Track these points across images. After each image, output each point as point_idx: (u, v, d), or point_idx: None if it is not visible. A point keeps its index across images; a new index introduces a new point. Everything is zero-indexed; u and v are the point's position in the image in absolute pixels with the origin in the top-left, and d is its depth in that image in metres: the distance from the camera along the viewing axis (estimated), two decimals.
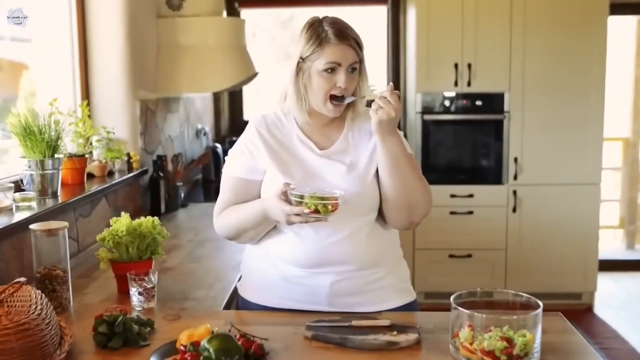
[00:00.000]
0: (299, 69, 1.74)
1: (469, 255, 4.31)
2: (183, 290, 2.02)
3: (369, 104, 1.72)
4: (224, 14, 3.84)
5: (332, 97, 1.70)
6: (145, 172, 3.15)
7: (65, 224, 1.79)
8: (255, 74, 3.70)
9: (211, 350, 1.35)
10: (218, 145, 4.48)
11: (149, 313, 1.76)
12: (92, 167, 2.74)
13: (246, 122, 5.31)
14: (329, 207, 1.57)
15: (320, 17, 1.74)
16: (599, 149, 4.25)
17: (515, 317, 1.50)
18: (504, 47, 4.16)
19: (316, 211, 1.57)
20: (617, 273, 5.03)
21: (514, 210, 4.28)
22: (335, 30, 1.68)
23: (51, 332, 1.40)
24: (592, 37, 4.12)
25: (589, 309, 4.35)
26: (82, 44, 2.94)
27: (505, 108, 4.20)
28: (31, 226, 1.77)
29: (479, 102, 4.21)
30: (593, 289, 4.37)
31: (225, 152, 4.52)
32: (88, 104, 2.84)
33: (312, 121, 1.80)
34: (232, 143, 4.66)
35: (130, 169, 2.98)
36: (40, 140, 2.21)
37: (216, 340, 1.37)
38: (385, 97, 1.63)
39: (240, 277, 1.97)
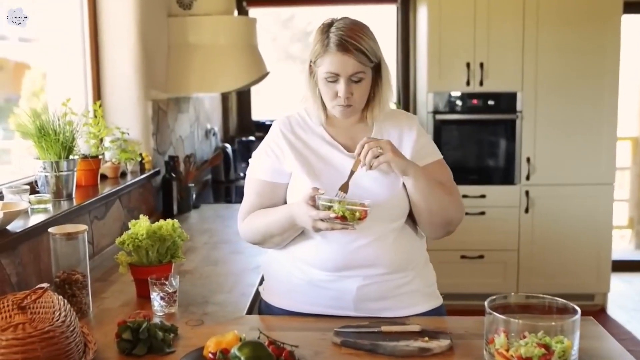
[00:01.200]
0: (311, 71, 1.71)
1: (481, 256, 4.27)
2: (203, 294, 1.98)
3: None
4: (235, 13, 3.80)
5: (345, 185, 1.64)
6: (158, 173, 3.11)
7: (85, 227, 1.75)
8: (267, 74, 3.66)
9: (242, 358, 1.31)
10: (228, 145, 4.44)
11: (171, 318, 1.72)
12: (104, 168, 2.70)
13: (254, 123, 5.26)
14: (357, 214, 1.53)
15: (334, 20, 1.68)
16: (612, 149, 4.20)
17: (553, 323, 1.46)
18: (516, 46, 4.11)
19: (344, 218, 1.53)
20: (628, 274, 4.98)
21: (527, 210, 4.24)
22: (337, 38, 1.62)
23: (76, 340, 1.36)
24: (605, 35, 4.08)
25: (602, 310, 4.31)
26: (94, 43, 2.89)
27: (518, 108, 4.16)
28: (50, 230, 1.73)
29: (491, 102, 4.16)
30: (606, 290, 4.33)
31: (234, 153, 4.49)
32: (100, 105, 2.80)
33: (336, 122, 1.76)
34: (241, 143, 4.66)
35: (142, 170, 2.94)
36: (55, 141, 2.16)
37: (247, 348, 1.33)
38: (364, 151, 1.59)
39: (262, 280, 1.93)
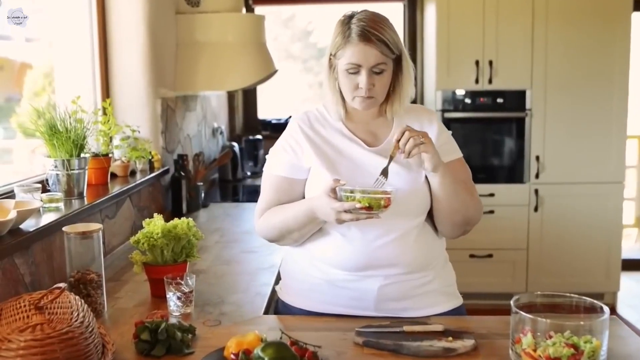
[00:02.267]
0: (330, 64, 1.68)
1: (490, 255, 4.24)
2: (218, 294, 1.95)
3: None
4: (244, 10, 3.77)
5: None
6: (167, 171, 3.08)
7: (100, 226, 1.72)
8: (275, 71, 3.63)
9: (266, 359, 1.28)
10: (235, 144, 4.40)
11: (187, 318, 1.69)
12: (114, 166, 2.67)
13: (260, 121, 5.22)
14: (382, 202, 1.50)
15: (354, 12, 1.66)
16: (622, 147, 4.17)
17: (582, 322, 1.43)
18: (525, 44, 4.08)
19: (368, 207, 1.50)
20: (637, 272, 4.94)
21: (536, 209, 4.21)
22: (359, 29, 1.60)
23: (95, 341, 1.33)
24: (615, 33, 4.05)
25: (612, 309, 4.28)
26: (102, 40, 2.86)
27: (527, 106, 4.13)
28: (64, 228, 1.70)
29: (500, 100, 4.13)
30: (616, 289, 4.30)
31: (242, 151, 4.46)
32: (110, 102, 2.76)
33: (355, 118, 1.74)
34: (248, 142, 4.62)
35: (151, 169, 2.91)
36: (67, 139, 2.13)
37: (271, 348, 1.30)
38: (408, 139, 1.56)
39: (279, 280, 1.90)
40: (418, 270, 1.68)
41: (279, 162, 1.74)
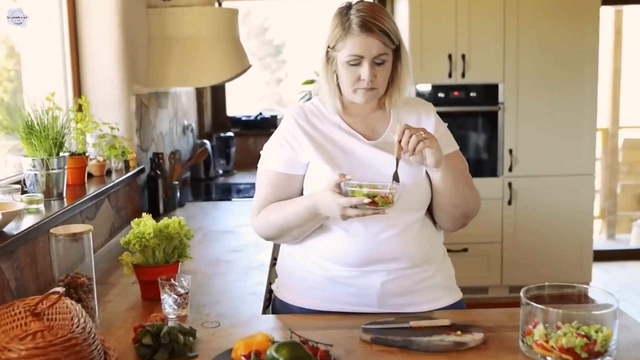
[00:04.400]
0: (327, 57, 1.64)
1: (465, 249, 4.26)
2: (211, 295, 1.89)
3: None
4: (216, 4, 3.69)
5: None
6: (142, 170, 2.99)
7: (90, 227, 1.64)
8: (249, 67, 3.56)
9: (281, 359, 1.23)
10: (207, 142, 4.31)
11: (182, 321, 1.63)
12: (90, 165, 2.56)
13: (230, 119, 5.12)
14: (390, 197, 1.47)
15: (350, 3, 1.63)
16: (593, 139, 4.24)
17: (594, 312, 1.42)
18: (497, 38, 4.10)
19: (374, 203, 1.47)
20: (605, 263, 5.04)
21: (510, 202, 4.24)
22: (359, 19, 1.56)
23: (97, 347, 1.26)
24: (585, 27, 4.10)
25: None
26: (73, 35, 2.75)
27: (500, 99, 4.15)
28: (52, 230, 1.61)
29: (473, 94, 4.15)
30: (588, 280, 4.36)
31: (213, 149, 4.37)
32: (75, 100, 2.66)
33: (352, 111, 1.70)
34: (220, 140, 4.54)
35: (126, 168, 2.81)
36: (45, 138, 2.03)
37: (285, 348, 1.26)
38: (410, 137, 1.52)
39: (272, 279, 1.85)
40: (420, 264, 1.66)
41: (275, 157, 1.69)
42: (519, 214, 4.27)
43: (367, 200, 1.45)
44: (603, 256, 5.05)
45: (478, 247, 4.28)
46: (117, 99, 2.82)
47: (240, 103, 5.18)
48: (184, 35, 3.28)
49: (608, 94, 5.69)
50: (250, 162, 4.90)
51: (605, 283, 4.61)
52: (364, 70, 1.57)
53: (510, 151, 4.20)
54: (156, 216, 2.81)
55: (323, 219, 1.60)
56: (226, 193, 4.06)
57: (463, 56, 4.10)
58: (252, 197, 3.74)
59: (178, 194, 3.26)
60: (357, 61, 1.58)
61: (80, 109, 2.50)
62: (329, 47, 1.63)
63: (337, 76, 1.65)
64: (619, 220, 5.97)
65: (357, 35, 1.56)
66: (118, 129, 2.63)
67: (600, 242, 5.73)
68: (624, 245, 5.58)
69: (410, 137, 1.51)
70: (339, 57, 1.60)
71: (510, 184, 4.23)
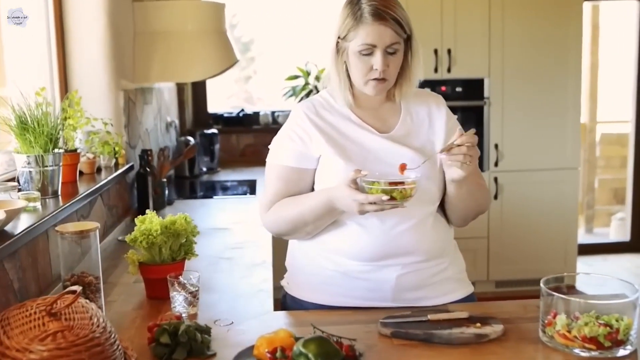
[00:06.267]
0: (338, 49, 1.61)
1: None
2: (218, 292, 1.85)
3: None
4: None
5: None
6: (132, 168, 2.92)
7: (97, 224, 1.59)
8: (237, 61, 3.51)
9: (311, 355, 1.20)
10: (191, 138, 4.25)
11: (193, 319, 1.58)
12: (80, 163, 2.49)
13: (210, 115, 5.05)
14: (409, 192, 1.45)
15: None
16: (577, 134, 4.29)
17: (615, 301, 1.42)
18: (483, 33, 4.12)
19: (392, 197, 1.45)
20: (588, 257, 5.09)
21: (495, 197, 4.27)
22: (371, 8, 1.54)
23: (119, 347, 1.22)
24: (569, 22, 4.14)
25: None
26: (59, 29, 2.67)
27: (485, 94, 4.17)
28: (58, 228, 1.56)
29: (459, 89, 4.16)
30: (573, 273, 4.41)
31: (197, 147, 4.30)
32: (67, 95, 2.58)
33: (362, 103, 1.68)
34: (203, 136, 4.47)
35: (115, 165, 2.75)
36: (40, 134, 1.97)
37: (313, 344, 1.23)
38: (468, 152, 1.49)
39: (279, 275, 1.82)
40: (435, 257, 1.65)
41: (285, 152, 1.65)
42: (505, 209, 4.30)
43: (385, 197, 1.43)
44: (585, 250, 5.11)
45: (464, 242, 4.19)
46: (105, 94, 2.75)
47: (210, 101, 5.11)
48: (170, 30, 3.22)
49: (586, 89, 5.77)
50: (234, 160, 4.86)
51: (588, 277, 4.66)
52: (377, 59, 1.55)
53: (496, 146, 4.22)
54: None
55: (338, 214, 1.57)
56: (210, 191, 4.01)
57: (449, 51, 4.11)
58: (240, 194, 3.76)
59: (167, 192, 3.21)
60: (369, 50, 1.55)
61: (69, 104, 2.42)
62: (339, 37, 1.60)
63: (347, 68, 1.62)
64: (596, 215, 6.05)
65: (370, 24, 1.53)
66: (112, 124, 2.56)
67: (580, 236, 5.80)
68: (604, 239, 5.66)
69: (472, 147, 1.49)
70: (351, 47, 1.58)
71: (496, 179, 4.25)
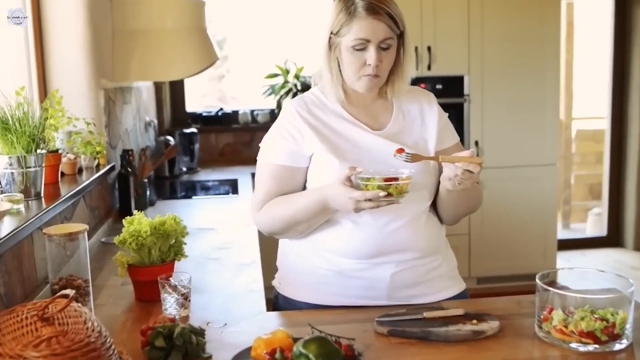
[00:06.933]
0: (330, 44, 1.60)
1: None
2: (208, 293, 1.82)
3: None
4: None
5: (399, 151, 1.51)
6: (113, 168, 2.87)
7: (85, 226, 1.55)
8: (217, 59, 3.47)
9: (311, 355, 1.19)
10: (170, 138, 4.19)
11: (185, 322, 1.55)
12: (62, 164, 2.44)
13: (189, 114, 4.99)
14: (404, 187, 1.44)
15: None
16: (556, 130, 4.33)
17: (611, 296, 1.43)
18: (462, 30, 4.13)
19: (388, 194, 1.44)
20: (566, 252, 5.15)
21: None
22: (365, 3, 1.53)
23: (115, 351, 1.19)
24: (547, 19, 4.18)
25: None
26: (37, 26, 2.61)
27: (465, 91, 4.19)
28: (45, 230, 1.52)
29: (439, 86, 4.17)
30: (553, 269, 4.46)
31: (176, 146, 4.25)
32: (46, 94, 2.53)
33: (354, 101, 1.66)
34: (183, 136, 4.41)
35: (97, 166, 2.69)
36: (22, 134, 1.92)
37: (313, 344, 1.21)
38: (470, 171, 1.46)
39: (269, 275, 1.80)
40: (429, 255, 1.65)
41: (277, 150, 1.63)
42: (485, 205, 4.27)
43: (382, 194, 1.41)
44: (564, 245, 5.16)
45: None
46: (85, 94, 2.69)
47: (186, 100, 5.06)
48: (149, 27, 3.18)
49: (562, 85, 5.83)
50: (213, 159, 4.81)
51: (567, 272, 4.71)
52: (370, 54, 1.54)
53: (477, 143, 4.25)
54: (129, 215, 2.70)
55: (332, 213, 1.56)
56: (191, 191, 3.96)
57: (429, 48, 4.12)
58: (222, 194, 3.72)
59: (148, 192, 3.16)
60: (363, 45, 1.54)
61: (51, 103, 2.37)
62: (332, 33, 1.59)
63: (339, 64, 1.61)
64: (573, 210, 6.13)
65: (364, 18, 1.52)
66: (95, 124, 2.51)
67: (557, 231, 5.86)
68: (581, 235, 5.73)
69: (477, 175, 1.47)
70: (344, 43, 1.56)
71: None
